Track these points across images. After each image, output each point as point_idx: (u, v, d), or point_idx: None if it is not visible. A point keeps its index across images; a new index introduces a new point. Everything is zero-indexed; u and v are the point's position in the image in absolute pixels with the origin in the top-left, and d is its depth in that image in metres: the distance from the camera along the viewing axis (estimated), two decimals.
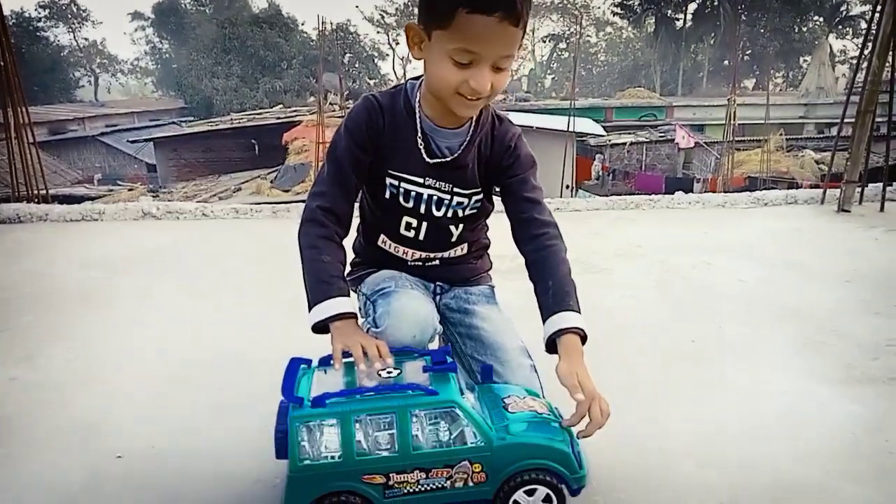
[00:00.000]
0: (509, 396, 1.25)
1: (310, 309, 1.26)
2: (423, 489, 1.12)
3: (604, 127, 21.44)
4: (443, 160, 1.35)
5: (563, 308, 1.26)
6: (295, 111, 21.37)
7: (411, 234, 1.44)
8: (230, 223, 4.09)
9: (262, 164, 18.99)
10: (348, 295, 1.29)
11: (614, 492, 1.34)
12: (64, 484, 1.40)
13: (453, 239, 1.46)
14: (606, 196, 4.90)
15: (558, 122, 15.23)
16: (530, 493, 1.15)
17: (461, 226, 1.45)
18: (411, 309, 1.32)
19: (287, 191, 15.57)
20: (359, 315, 1.35)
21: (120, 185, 19.03)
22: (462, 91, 1.20)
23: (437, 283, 1.52)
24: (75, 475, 1.43)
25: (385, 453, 1.11)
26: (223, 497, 1.36)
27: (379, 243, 1.48)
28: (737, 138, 17.40)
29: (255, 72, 29.13)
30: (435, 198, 1.39)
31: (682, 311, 2.49)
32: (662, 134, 22.08)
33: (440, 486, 1.13)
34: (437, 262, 1.50)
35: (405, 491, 1.12)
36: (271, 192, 15.81)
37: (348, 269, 1.40)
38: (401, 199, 1.39)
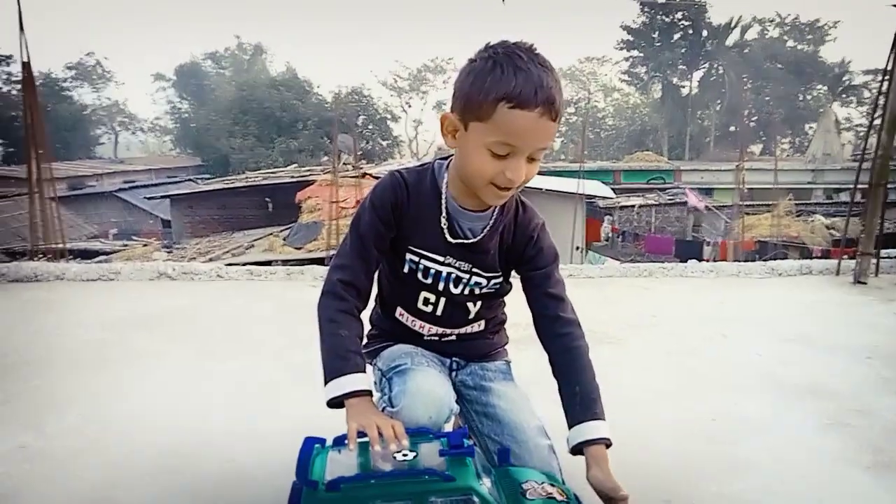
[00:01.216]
0: (527, 482, 1.21)
1: (325, 383, 1.25)
2: None
3: (613, 189, 21.67)
4: (464, 241, 1.37)
5: (591, 417, 1.28)
6: (309, 171, 21.72)
7: (429, 308, 1.44)
8: (245, 284, 4.11)
9: (276, 222, 19.17)
10: (364, 371, 1.28)
11: None
12: None
13: (470, 316, 1.46)
14: (617, 259, 4.89)
15: (568, 184, 15.39)
16: None
17: (479, 303, 1.45)
18: (427, 389, 1.31)
19: (299, 248, 15.67)
20: (374, 389, 1.34)
21: (135, 240, 19.27)
22: (497, 182, 1.22)
23: (454, 358, 1.51)
24: None
25: None
26: None
27: (396, 315, 1.48)
28: (746, 202, 17.52)
29: (271, 132, 29.82)
30: (454, 276, 1.39)
31: (699, 386, 2.44)
32: (671, 197, 22.26)
33: None
34: (453, 337, 1.49)
35: None
36: (283, 249, 15.91)
37: (365, 340, 1.39)
38: (419, 275, 1.40)
